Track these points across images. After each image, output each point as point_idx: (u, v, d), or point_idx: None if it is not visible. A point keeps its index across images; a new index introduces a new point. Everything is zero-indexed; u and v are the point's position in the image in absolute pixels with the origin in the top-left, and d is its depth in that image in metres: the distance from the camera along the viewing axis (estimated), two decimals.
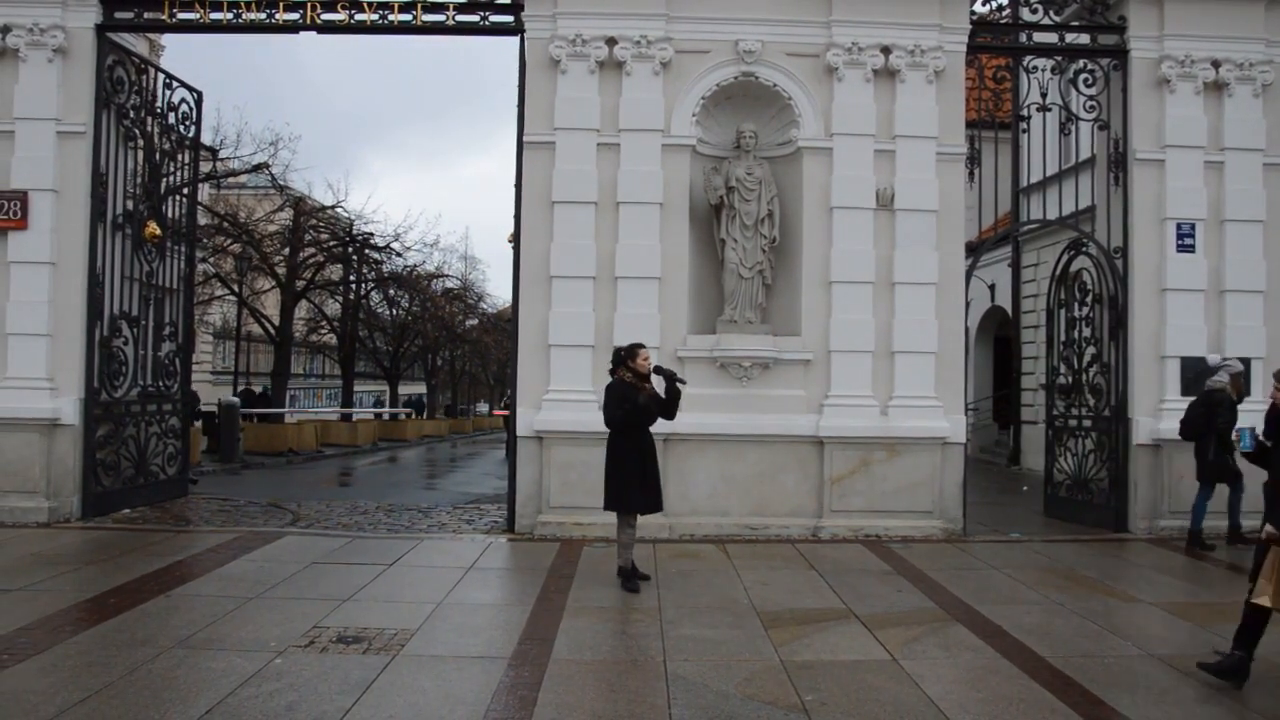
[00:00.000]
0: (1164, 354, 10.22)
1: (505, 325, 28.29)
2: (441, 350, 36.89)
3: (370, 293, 30.79)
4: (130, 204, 10.87)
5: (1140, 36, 10.38)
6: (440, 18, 10.26)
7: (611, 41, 9.98)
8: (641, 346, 7.61)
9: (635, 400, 7.39)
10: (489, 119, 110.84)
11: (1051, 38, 10.83)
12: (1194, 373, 9.92)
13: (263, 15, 10.22)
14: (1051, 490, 11.37)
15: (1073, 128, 10.94)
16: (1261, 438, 5.44)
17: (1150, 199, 10.34)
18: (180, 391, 11.73)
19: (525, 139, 10.12)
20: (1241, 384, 9.60)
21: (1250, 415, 10.20)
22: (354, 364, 32.07)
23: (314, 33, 10.45)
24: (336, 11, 10.21)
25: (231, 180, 25.29)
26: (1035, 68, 10.89)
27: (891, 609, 6.84)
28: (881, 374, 10.00)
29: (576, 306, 9.88)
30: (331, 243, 27.94)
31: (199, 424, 18.67)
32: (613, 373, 7.60)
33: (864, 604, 6.95)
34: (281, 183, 24.83)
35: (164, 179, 11.38)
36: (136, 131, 10.97)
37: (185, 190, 11.96)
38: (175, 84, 11.39)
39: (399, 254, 29.30)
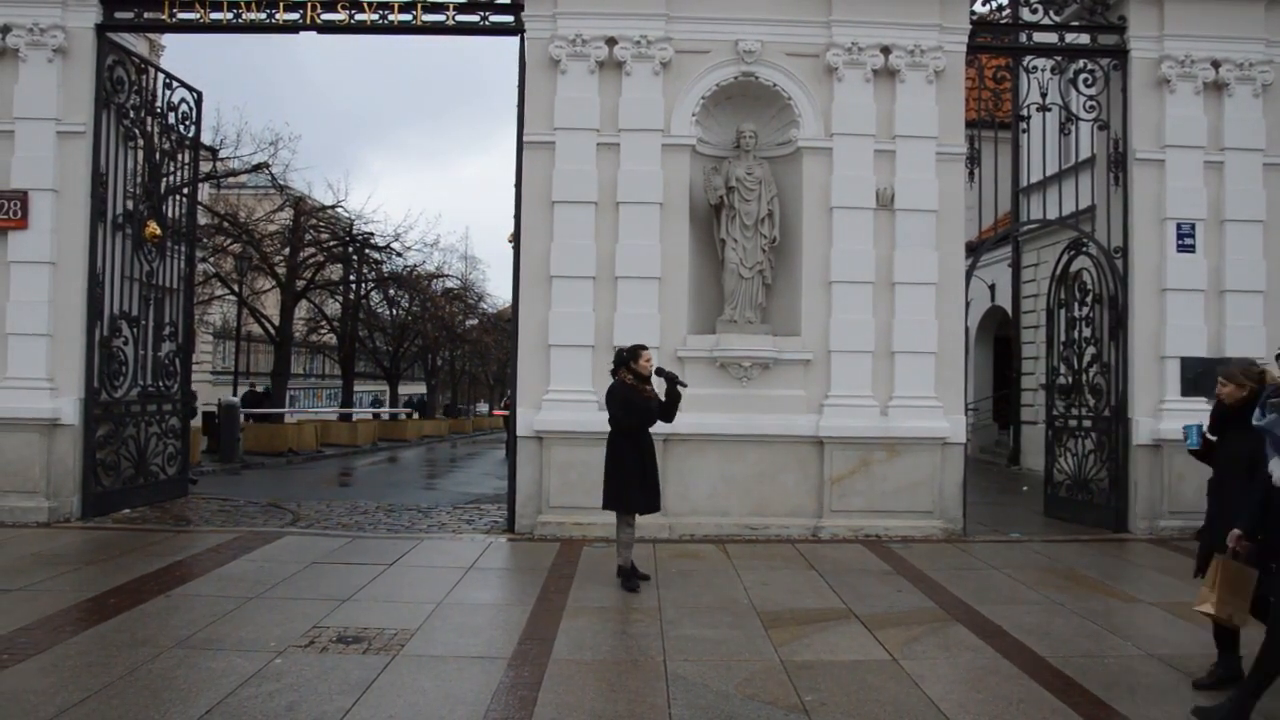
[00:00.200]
0: (1164, 354, 10.22)
1: (505, 325, 28.29)
2: (441, 350, 36.90)
3: (370, 293, 30.79)
4: (130, 204, 10.87)
5: (1140, 36, 10.38)
6: (440, 18, 10.26)
7: (611, 41, 9.98)
8: (644, 348, 7.62)
9: (647, 405, 7.44)
10: (489, 119, 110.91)
11: (1051, 38, 10.83)
12: (1194, 373, 9.92)
13: (263, 15, 10.22)
14: (1051, 490, 11.37)
15: (1072, 128, 10.94)
16: (1207, 434, 5.43)
17: (1150, 199, 10.34)
18: (180, 391, 11.73)
19: (525, 139, 10.12)
20: None
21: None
22: (354, 364, 32.07)
23: (314, 33, 10.46)
24: (336, 11, 10.21)
25: (231, 180, 25.28)
26: (1035, 68, 10.89)
27: (891, 609, 6.84)
28: (881, 374, 10.00)
29: (576, 306, 9.88)
30: (331, 243, 27.95)
31: (196, 421, 18.63)
32: (614, 374, 7.63)
33: (864, 604, 6.95)
34: (281, 182, 24.84)
35: (164, 179, 11.38)
36: (136, 131, 10.97)
37: (185, 190, 11.96)
38: (175, 84, 11.39)
39: (399, 254, 29.35)
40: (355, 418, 29.83)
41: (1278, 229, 10.37)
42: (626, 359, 7.54)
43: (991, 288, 19.21)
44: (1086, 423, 10.84)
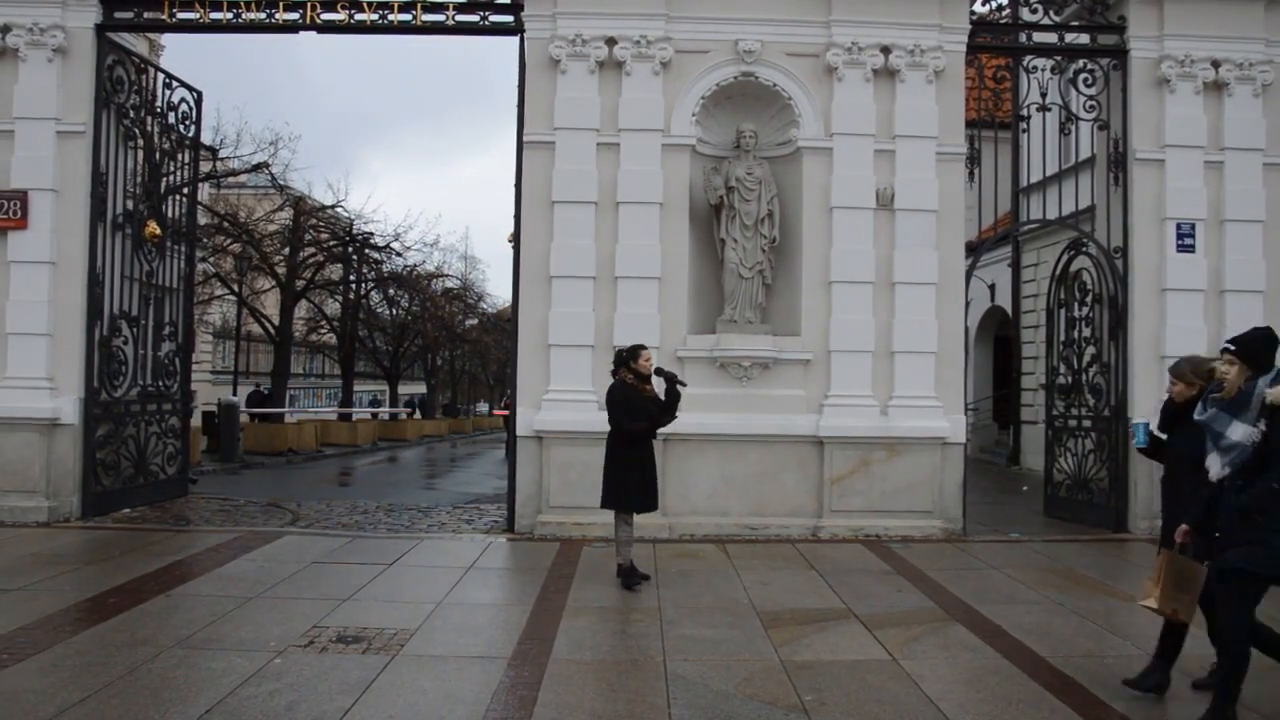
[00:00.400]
0: (1164, 354, 10.19)
1: (505, 325, 28.29)
2: (441, 350, 36.91)
3: (370, 292, 30.79)
4: (130, 204, 10.87)
5: (1140, 36, 10.38)
6: (440, 17, 10.26)
7: (611, 41, 9.98)
8: (643, 348, 7.64)
9: (647, 405, 7.47)
10: (489, 119, 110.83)
11: (1051, 38, 10.83)
12: None
13: (262, 15, 10.22)
14: (1051, 490, 11.37)
15: (1072, 128, 10.94)
16: (1156, 432, 5.43)
17: (1150, 199, 10.34)
18: (180, 391, 11.73)
19: (525, 139, 10.12)
20: None
21: None
22: (354, 364, 32.07)
23: (314, 33, 10.46)
24: (336, 11, 10.21)
25: (231, 180, 25.28)
26: (1035, 67, 10.89)
27: (891, 609, 6.84)
28: (881, 374, 10.00)
29: (576, 306, 9.88)
30: (331, 242, 27.95)
31: (195, 420, 18.64)
32: (614, 374, 7.65)
33: (864, 604, 6.95)
34: (281, 182, 24.83)
35: (164, 179, 11.39)
36: (136, 131, 10.97)
37: (185, 190, 11.96)
38: (175, 84, 11.39)
39: (399, 254, 29.34)
40: (354, 418, 29.82)
41: (1278, 229, 10.37)
42: (626, 359, 7.57)
43: (991, 288, 19.21)
44: (1086, 423, 10.84)
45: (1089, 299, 10.92)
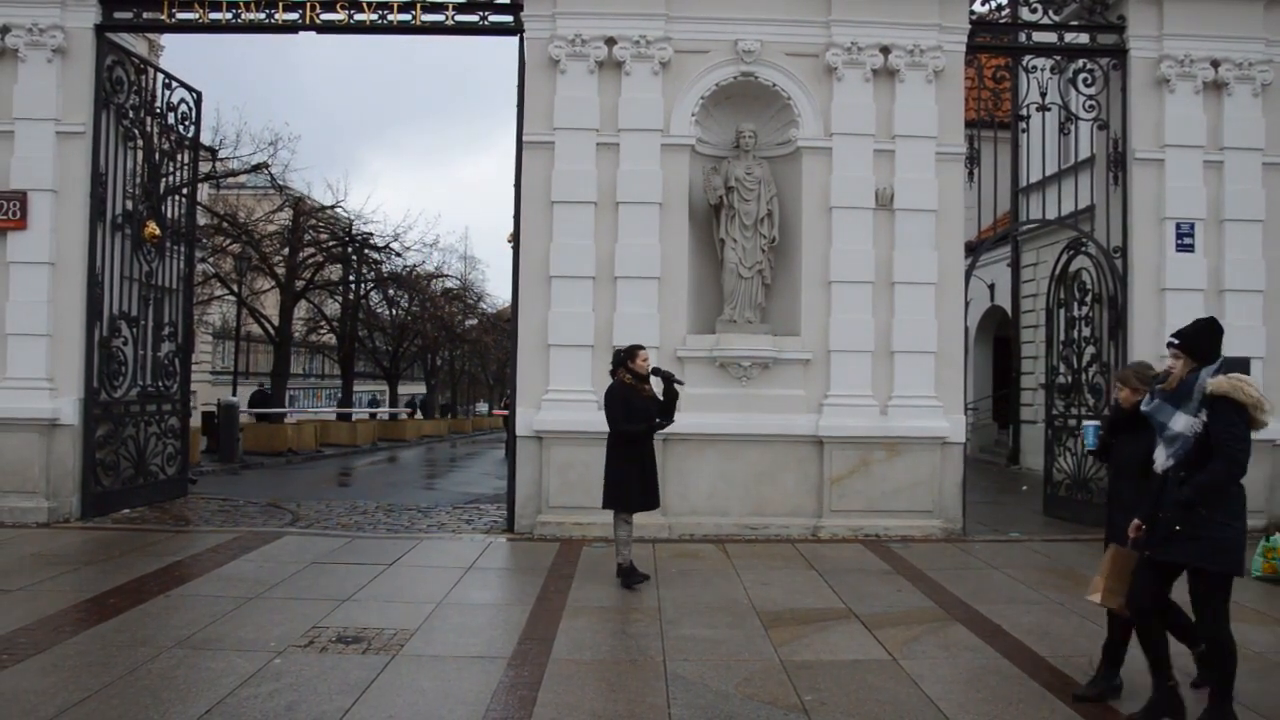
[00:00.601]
0: (1164, 354, 10.18)
1: (505, 325, 28.28)
2: (441, 350, 36.91)
3: (370, 293, 30.79)
4: (130, 204, 10.87)
5: (1139, 36, 10.39)
6: (439, 18, 10.26)
7: (611, 41, 9.98)
8: (641, 348, 7.67)
9: (646, 405, 7.48)
10: (489, 119, 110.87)
11: (1051, 37, 10.83)
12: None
13: (262, 15, 10.21)
14: (1051, 490, 11.37)
15: (1072, 127, 10.95)
16: (1105, 434, 5.45)
17: (1150, 199, 10.34)
18: (180, 391, 11.73)
19: (525, 139, 10.12)
20: None
21: None
22: (354, 364, 32.08)
23: (313, 33, 10.46)
24: (335, 11, 10.21)
25: (231, 180, 25.27)
26: (1034, 67, 10.90)
27: (891, 609, 6.85)
28: (881, 374, 10.00)
29: (576, 306, 9.88)
30: (331, 243, 27.94)
31: (195, 420, 18.63)
32: (613, 374, 7.66)
33: (864, 604, 6.95)
34: (281, 183, 24.82)
35: (163, 179, 11.39)
36: (136, 131, 10.97)
37: (185, 190, 11.96)
38: (174, 84, 11.39)
39: (398, 254, 29.34)
40: (353, 418, 29.82)
41: (1277, 229, 10.37)
42: (624, 359, 7.60)
43: (991, 287, 19.21)
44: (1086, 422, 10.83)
45: (1088, 299, 10.93)
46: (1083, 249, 11.06)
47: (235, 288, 25.71)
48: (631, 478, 7.44)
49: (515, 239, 10.37)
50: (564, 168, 9.96)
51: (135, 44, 11.27)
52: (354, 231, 28.26)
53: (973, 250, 11.83)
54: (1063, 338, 11.31)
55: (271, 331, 26.23)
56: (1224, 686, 4.49)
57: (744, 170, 10.08)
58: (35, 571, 7.58)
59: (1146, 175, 10.36)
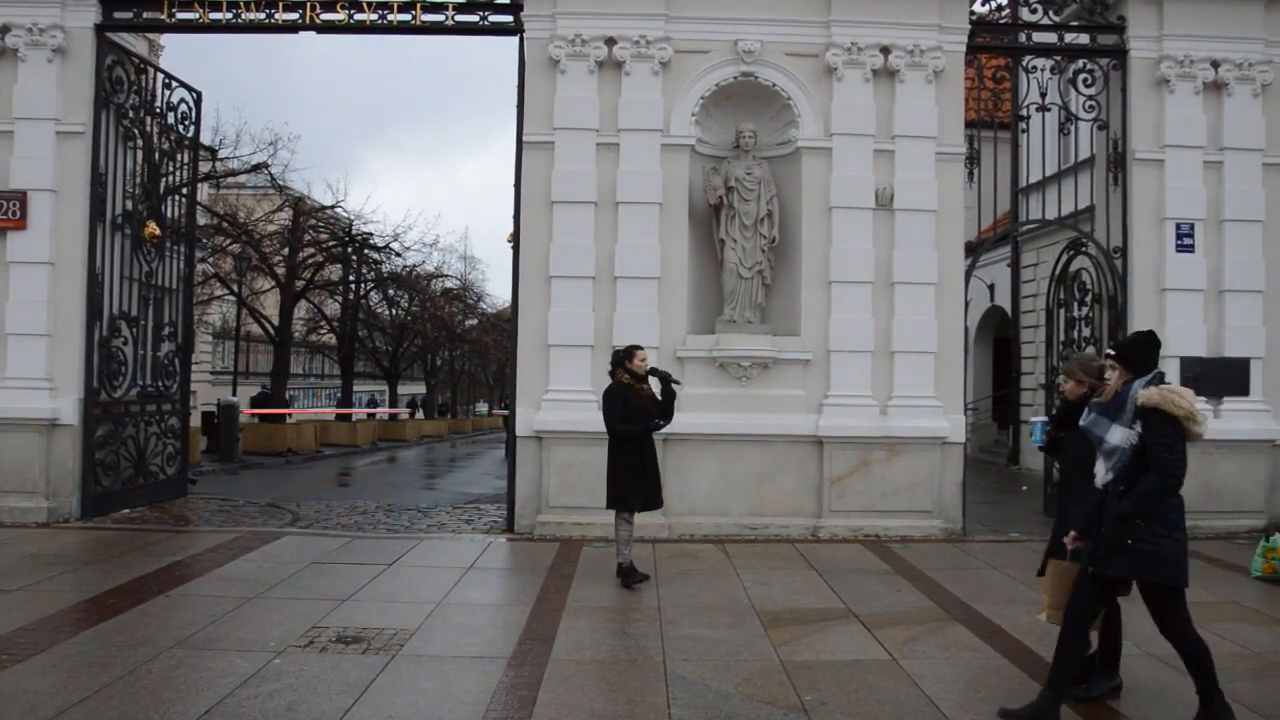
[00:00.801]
0: (1164, 354, 10.18)
1: (505, 325, 28.28)
2: (441, 350, 36.90)
3: (370, 293, 30.79)
4: (130, 204, 10.87)
5: (1139, 36, 10.39)
6: (439, 18, 10.26)
7: (611, 41, 9.98)
8: (638, 348, 7.70)
9: (644, 405, 7.49)
10: (489, 119, 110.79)
11: (1051, 38, 10.84)
12: (1194, 373, 9.92)
13: (262, 15, 10.21)
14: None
15: (1072, 128, 10.94)
16: (1053, 430, 5.44)
17: (1150, 199, 10.34)
18: (180, 391, 11.73)
19: (525, 139, 10.12)
20: None
21: (1251, 415, 10.23)
22: (354, 364, 32.08)
23: (313, 33, 10.46)
24: (336, 11, 10.21)
25: (231, 180, 25.28)
26: (1034, 68, 10.89)
27: (891, 609, 6.85)
28: (881, 374, 10.00)
29: (576, 306, 9.88)
30: (331, 243, 27.93)
31: (195, 420, 18.63)
32: (612, 374, 7.67)
33: (863, 604, 6.95)
34: (281, 183, 24.81)
35: (163, 179, 11.38)
36: (136, 131, 10.97)
37: (184, 190, 11.96)
38: (174, 84, 11.39)
39: (398, 254, 29.34)
40: (354, 419, 29.83)
41: (1277, 229, 10.38)
42: (622, 359, 7.63)
43: (991, 288, 19.21)
44: None
45: (1088, 299, 10.93)
46: (1083, 249, 11.06)
47: (235, 288, 25.71)
48: (634, 477, 7.45)
49: (515, 239, 10.37)
50: (564, 168, 9.96)
51: (135, 44, 11.27)
52: (354, 231, 28.25)
53: (973, 250, 11.83)
54: (1063, 338, 11.31)
55: (271, 331, 26.23)
56: (1207, 686, 4.47)
57: (744, 170, 10.08)
58: (35, 571, 7.58)
59: (1146, 175, 10.36)
